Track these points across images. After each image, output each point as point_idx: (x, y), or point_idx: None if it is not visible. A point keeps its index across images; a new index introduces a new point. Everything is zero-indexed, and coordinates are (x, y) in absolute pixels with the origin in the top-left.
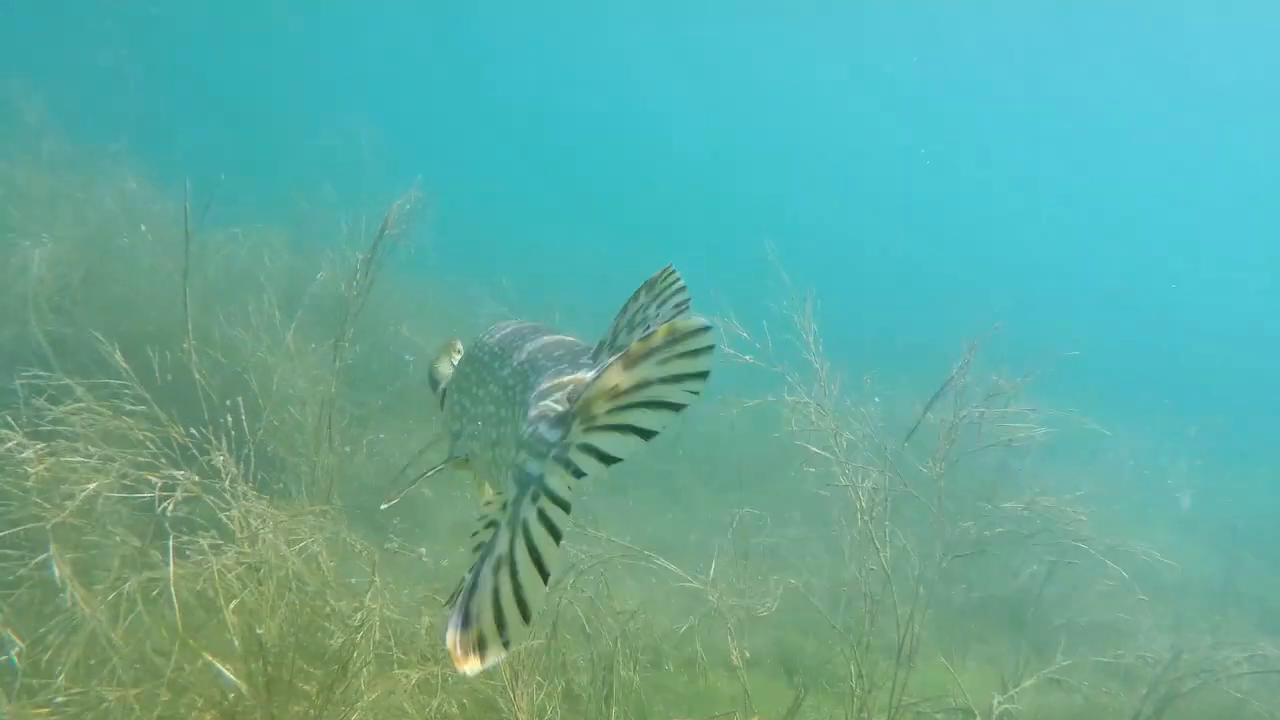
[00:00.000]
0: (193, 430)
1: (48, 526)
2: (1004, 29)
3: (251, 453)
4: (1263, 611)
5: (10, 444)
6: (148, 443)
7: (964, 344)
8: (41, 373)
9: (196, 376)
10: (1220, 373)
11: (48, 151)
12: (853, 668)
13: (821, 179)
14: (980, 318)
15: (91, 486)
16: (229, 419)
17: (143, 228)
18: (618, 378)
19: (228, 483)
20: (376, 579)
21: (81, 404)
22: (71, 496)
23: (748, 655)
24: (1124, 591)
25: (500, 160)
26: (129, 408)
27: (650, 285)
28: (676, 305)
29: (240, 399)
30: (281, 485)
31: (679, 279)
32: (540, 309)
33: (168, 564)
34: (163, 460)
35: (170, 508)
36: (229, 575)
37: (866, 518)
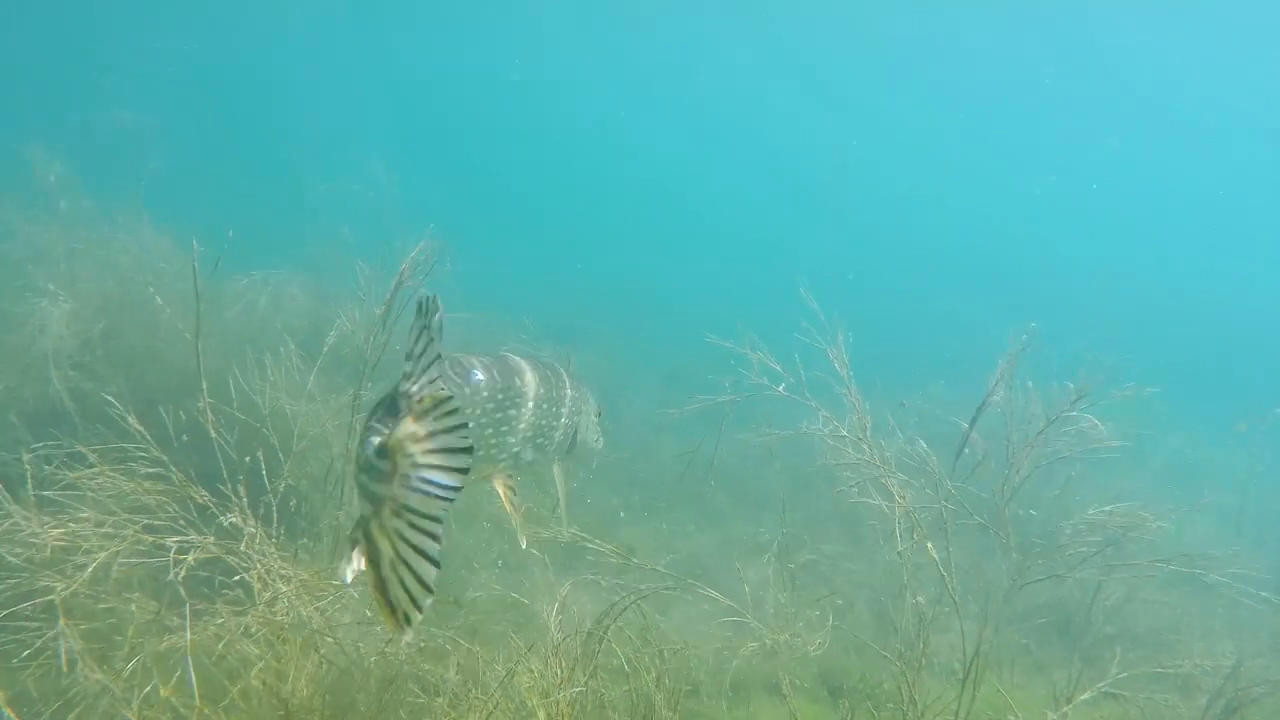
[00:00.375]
0: (219, 486)
1: (57, 600)
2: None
3: (274, 506)
4: None
5: (17, 518)
6: (167, 505)
7: (1003, 356)
8: (56, 436)
9: (213, 434)
10: (1263, 370)
11: (66, 209)
12: (903, 690)
13: (842, 207)
14: (1007, 330)
15: (102, 556)
16: (253, 473)
17: (151, 286)
18: (413, 427)
19: (242, 545)
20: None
21: (95, 469)
22: (83, 567)
23: (793, 681)
24: (1174, 594)
25: (524, 198)
26: (145, 470)
27: (419, 311)
28: (436, 332)
29: (260, 453)
30: (306, 541)
31: (438, 307)
32: (560, 344)
33: (187, 629)
34: (181, 522)
35: (181, 573)
36: (252, 637)
37: (913, 536)
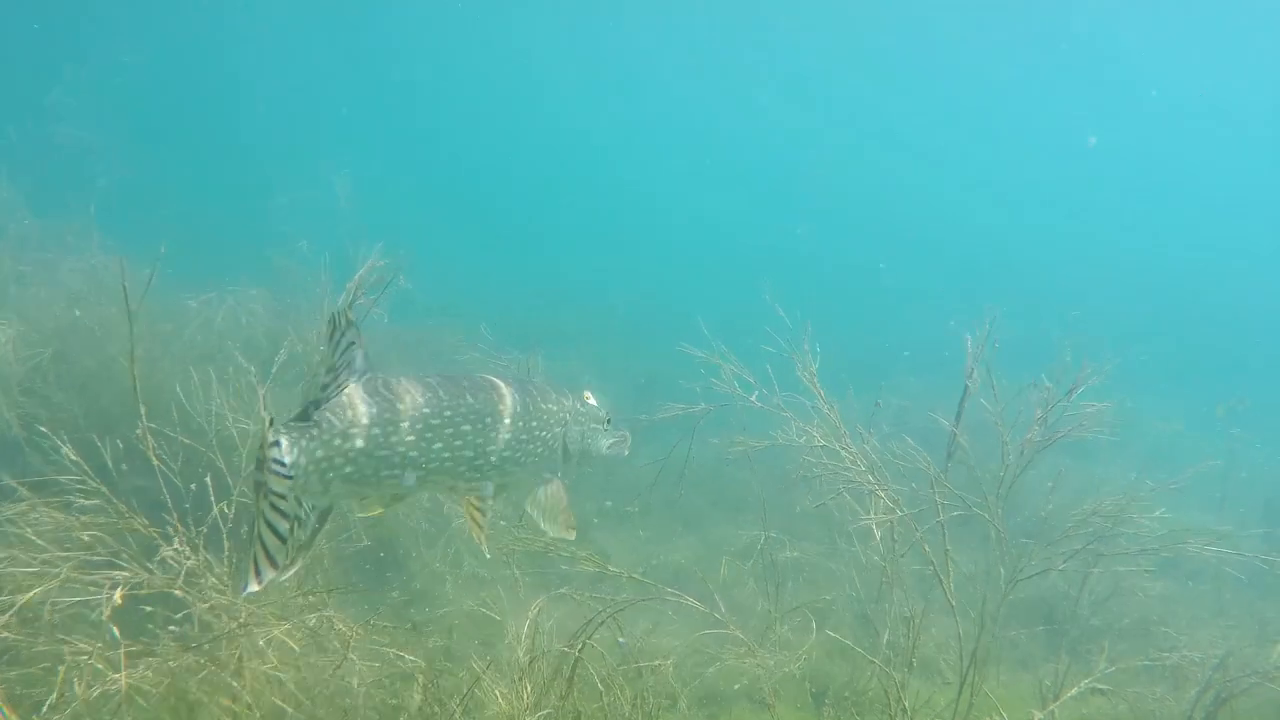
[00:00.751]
0: (165, 515)
1: None
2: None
3: (225, 533)
4: None
5: None
6: (103, 539)
7: (969, 345)
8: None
9: (155, 461)
10: (1241, 355)
11: (13, 232)
12: (890, 693)
13: (806, 207)
14: (978, 321)
15: (25, 597)
16: (204, 499)
17: (104, 307)
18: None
19: (179, 579)
20: (356, 659)
21: (26, 503)
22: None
23: (776, 688)
24: (1159, 584)
25: (481, 205)
26: (85, 502)
27: (330, 325)
28: (347, 347)
29: (209, 478)
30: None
31: (349, 322)
32: (516, 354)
33: (122, 671)
34: (124, 556)
35: (106, 611)
36: (197, 675)
37: (893, 535)
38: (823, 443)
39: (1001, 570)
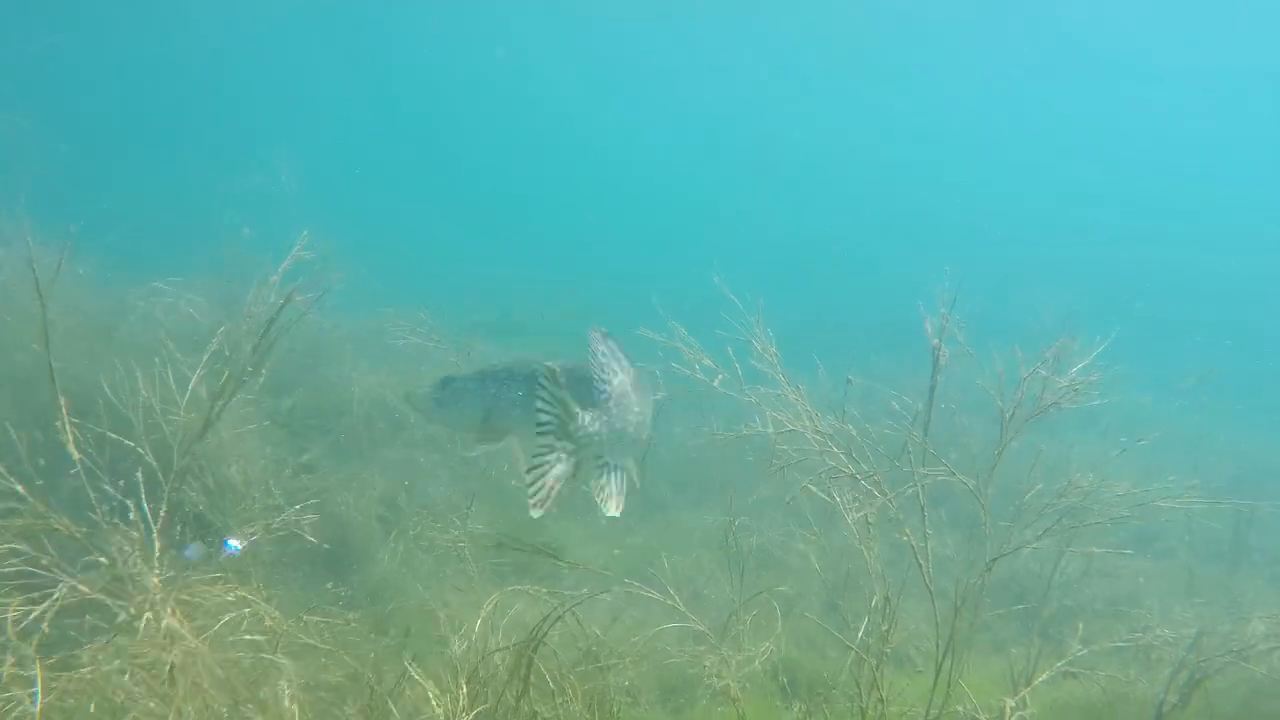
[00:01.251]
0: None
1: None
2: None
3: (152, 531)
4: (1274, 565)
5: None
6: (14, 544)
7: (930, 321)
8: None
9: (76, 455)
10: (1202, 327)
11: None
12: (861, 683)
13: (751, 179)
14: (937, 295)
15: None
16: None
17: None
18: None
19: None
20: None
21: None
22: None
23: (741, 681)
24: (1131, 562)
25: (433, 191)
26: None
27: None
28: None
29: (140, 474)
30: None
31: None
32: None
33: (39, 688)
34: (44, 561)
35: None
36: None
37: (868, 519)
38: (791, 427)
39: (988, 550)
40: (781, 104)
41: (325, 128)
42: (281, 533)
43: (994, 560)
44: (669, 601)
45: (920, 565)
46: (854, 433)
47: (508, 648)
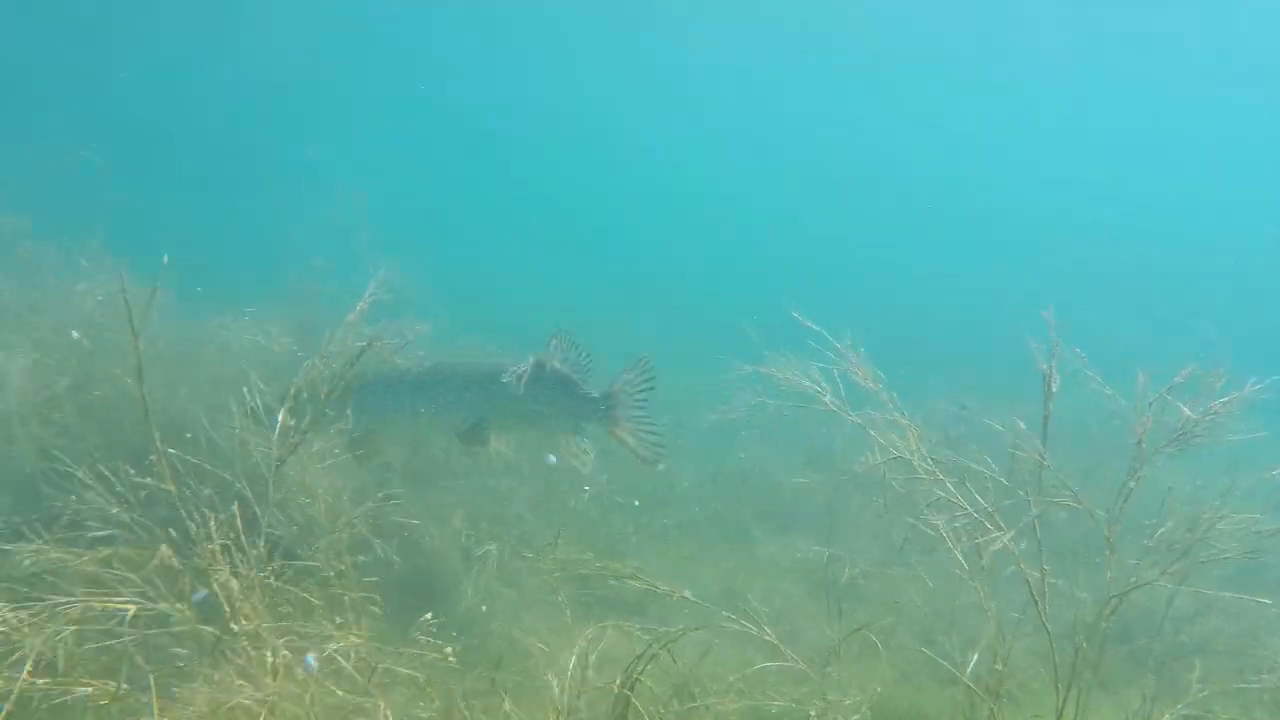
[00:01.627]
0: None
1: None
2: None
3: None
4: None
5: None
6: (126, 576)
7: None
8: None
9: (172, 489)
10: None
11: (23, 257)
12: None
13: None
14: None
15: (36, 642)
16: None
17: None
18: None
19: (176, 610)
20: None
21: (34, 545)
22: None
23: None
24: (1241, 594)
25: (504, 215)
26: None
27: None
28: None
29: (236, 507)
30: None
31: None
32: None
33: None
34: (150, 592)
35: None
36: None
37: (979, 553)
38: (896, 453)
39: (1107, 584)
40: (858, 118)
41: (390, 154)
42: (365, 559)
43: (1122, 595)
44: (765, 636)
45: (1035, 600)
46: (969, 464)
47: (603, 686)
